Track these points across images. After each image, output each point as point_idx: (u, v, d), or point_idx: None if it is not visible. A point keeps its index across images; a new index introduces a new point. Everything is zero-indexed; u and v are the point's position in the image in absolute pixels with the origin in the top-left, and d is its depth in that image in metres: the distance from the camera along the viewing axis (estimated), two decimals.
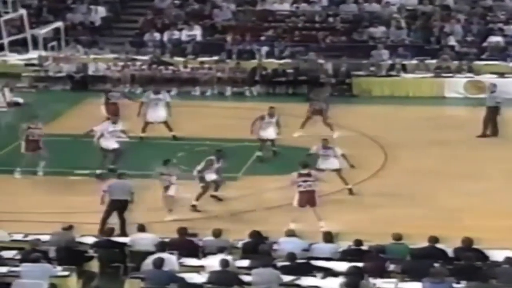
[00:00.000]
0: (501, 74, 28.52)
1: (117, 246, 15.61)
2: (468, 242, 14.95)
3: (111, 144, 20.83)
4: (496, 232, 16.92)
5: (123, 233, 16.74)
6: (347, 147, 22.12)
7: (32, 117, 21.67)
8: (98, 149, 20.83)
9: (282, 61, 29.92)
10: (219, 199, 19.28)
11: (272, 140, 22.06)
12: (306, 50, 30.61)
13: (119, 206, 17.34)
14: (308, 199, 17.60)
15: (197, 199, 18.81)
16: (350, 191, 19.63)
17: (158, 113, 23.63)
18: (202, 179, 18.78)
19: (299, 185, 17.70)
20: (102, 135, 20.79)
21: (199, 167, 18.82)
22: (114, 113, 23.71)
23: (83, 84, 29.87)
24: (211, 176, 18.80)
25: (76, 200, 19.34)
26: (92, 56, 30.92)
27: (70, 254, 15.03)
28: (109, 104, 24.05)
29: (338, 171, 19.60)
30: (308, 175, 17.80)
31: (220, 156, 19.04)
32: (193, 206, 18.75)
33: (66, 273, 14.47)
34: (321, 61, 29.38)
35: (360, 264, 14.36)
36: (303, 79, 28.90)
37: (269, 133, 21.89)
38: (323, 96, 24.69)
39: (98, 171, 20.67)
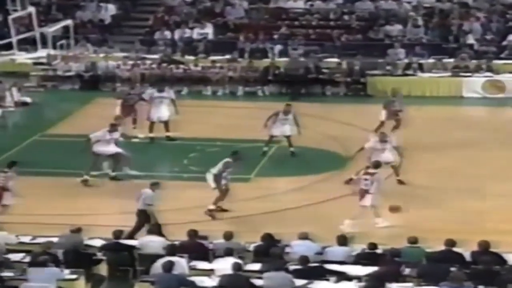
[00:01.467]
0: None
1: (126, 249, 15.62)
2: (485, 246, 14.90)
3: (109, 149, 20.67)
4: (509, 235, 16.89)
5: (130, 237, 16.70)
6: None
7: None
8: (90, 152, 20.68)
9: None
10: (224, 209, 18.88)
11: (288, 137, 22.00)
12: (321, 49, 30.63)
13: (139, 215, 17.21)
14: (361, 196, 17.95)
15: (215, 203, 18.66)
16: (400, 182, 19.92)
17: (162, 112, 23.58)
18: (220, 182, 18.57)
19: (360, 181, 18.12)
20: (98, 141, 20.67)
21: (214, 170, 18.64)
22: (128, 114, 23.70)
23: (92, 83, 29.95)
24: (226, 180, 18.65)
25: (85, 202, 19.37)
26: (101, 55, 31.02)
27: (78, 257, 15.06)
28: (125, 106, 23.96)
29: (391, 163, 19.89)
30: (372, 175, 18.04)
31: (237, 159, 18.98)
32: (210, 210, 18.60)
33: (74, 276, 14.48)
34: (302, 59, 29.45)
35: (375, 268, 14.34)
36: (288, 79, 28.86)
37: (283, 130, 21.91)
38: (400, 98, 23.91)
39: (111, 174, 20.66)
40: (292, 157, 21.99)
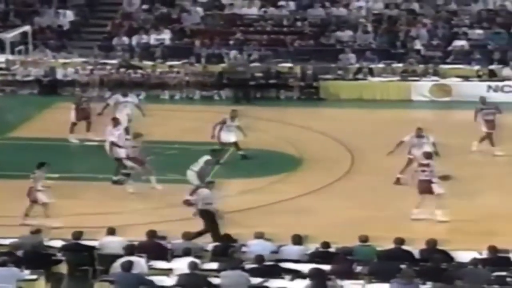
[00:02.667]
0: (466, 78, 28.80)
1: (85, 249, 15.51)
2: (432, 244, 15.05)
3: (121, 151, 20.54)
4: (462, 234, 17.06)
5: (195, 237, 16.38)
6: (315, 150, 22.29)
7: None
8: (112, 158, 20.56)
9: (251, 65, 29.91)
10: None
11: (235, 143, 21.90)
12: (274, 54, 30.70)
13: (203, 215, 17.08)
14: (426, 187, 18.20)
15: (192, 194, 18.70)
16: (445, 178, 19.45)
17: (128, 115, 23.49)
18: (203, 179, 18.54)
19: (418, 174, 18.38)
20: (114, 143, 20.49)
21: (196, 168, 18.69)
22: (84, 118, 23.62)
23: (51, 88, 29.68)
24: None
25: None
26: (60, 60, 30.74)
27: (38, 258, 14.92)
28: (79, 109, 23.85)
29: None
30: (428, 165, 18.36)
31: (216, 156, 19.00)
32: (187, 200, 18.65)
33: (34, 276, 14.35)
34: (255, 64, 29.53)
35: (327, 266, 14.40)
36: (229, 83, 28.90)
37: (229, 137, 21.78)
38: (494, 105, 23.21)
39: (114, 178, 20.46)
40: (244, 160, 21.91)
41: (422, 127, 20.58)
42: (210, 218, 16.90)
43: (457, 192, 19.59)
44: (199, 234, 16.65)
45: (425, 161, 18.64)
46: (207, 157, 18.93)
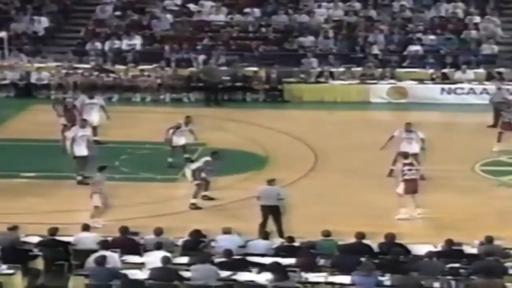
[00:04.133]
0: (421, 81, 28.99)
1: (61, 245, 15.36)
2: (391, 237, 15.11)
3: (81, 150, 20.25)
4: (417, 228, 17.15)
5: (281, 235, 16.33)
6: (280, 150, 22.28)
7: None
8: (72, 157, 20.22)
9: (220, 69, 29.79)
10: (211, 198, 19.11)
11: (183, 147, 21.61)
12: (241, 58, 30.67)
13: (269, 211, 16.90)
14: (413, 186, 17.95)
15: (195, 196, 18.71)
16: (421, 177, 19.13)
17: (92, 117, 23.21)
18: (198, 177, 18.60)
19: (404, 173, 18.02)
20: (74, 140, 20.20)
21: (193, 166, 18.74)
22: (72, 120, 23.30)
23: (27, 91, 29.39)
24: (204, 175, 18.69)
25: (22, 202, 18.98)
26: (35, 65, 30.44)
27: (15, 253, 14.75)
28: (67, 111, 23.47)
29: (416, 155, 19.66)
30: (411, 164, 18.22)
31: (216, 158, 18.93)
32: (193, 204, 18.62)
33: (11, 271, 14.20)
34: (224, 68, 29.41)
35: (292, 260, 14.40)
36: (204, 86, 28.75)
37: (179, 140, 21.48)
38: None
39: (78, 178, 20.13)
40: (189, 162, 21.44)
41: (411, 122, 20.51)
42: (277, 213, 16.92)
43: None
44: (280, 231, 16.64)
45: (408, 161, 18.40)
46: (207, 158, 18.93)
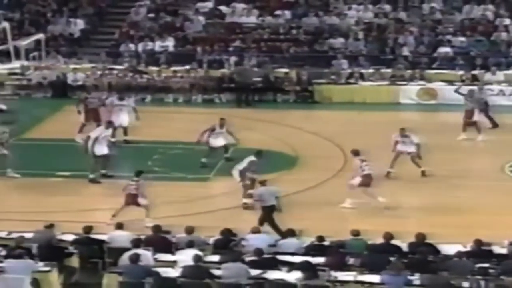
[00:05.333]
0: (450, 82, 28.79)
1: (96, 243, 15.47)
2: (421, 237, 15.03)
3: (102, 149, 20.40)
4: (447, 228, 17.04)
5: (280, 234, 16.35)
6: (310, 150, 22.27)
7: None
8: (91, 155, 20.32)
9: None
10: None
11: (224, 147, 21.65)
12: (271, 60, 30.67)
13: (270, 211, 17.05)
14: (368, 181, 18.57)
15: (245, 196, 18.76)
16: (423, 173, 20.48)
17: (122, 118, 23.38)
18: (245, 177, 18.71)
19: (363, 169, 18.59)
20: (96, 140, 20.31)
21: (240, 167, 18.83)
22: (94, 119, 23.53)
23: (63, 91, 29.63)
24: (250, 175, 18.83)
25: (57, 200, 19.15)
26: (71, 66, 30.71)
27: (51, 251, 14.89)
28: (89, 110, 23.79)
29: (412, 154, 20.53)
30: (366, 160, 18.77)
31: (260, 157, 19.04)
32: (245, 203, 18.71)
33: (47, 268, 14.33)
34: (256, 69, 29.45)
35: (322, 259, 14.38)
36: (236, 86, 28.74)
37: (219, 141, 21.56)
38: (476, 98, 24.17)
39: (91, 176, 20.25)
40: (228, 161, 21.47)
41: (405, 127, 20.90)
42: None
43: (440, 188, 19.65)
44: (277, 229, 16.69)
45: (363, 157, 18.93)
46: (251, 158, 18.98)
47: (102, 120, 23.07)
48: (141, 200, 17.72)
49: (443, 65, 30.12)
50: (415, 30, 31.61)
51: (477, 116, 23.71)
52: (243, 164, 18.91)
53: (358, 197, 18.56)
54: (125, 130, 23.49)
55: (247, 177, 18.72)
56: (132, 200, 17.69)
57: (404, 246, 15.02)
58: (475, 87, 25.97)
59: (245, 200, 18.75)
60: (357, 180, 18.64)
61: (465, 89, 25.52)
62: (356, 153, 19.14)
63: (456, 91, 25.74)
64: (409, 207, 18.67)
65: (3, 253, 14.75)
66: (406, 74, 29.32)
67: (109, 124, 21.10)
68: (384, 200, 18.49)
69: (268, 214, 17.05)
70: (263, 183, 17.62)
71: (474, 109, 23.82)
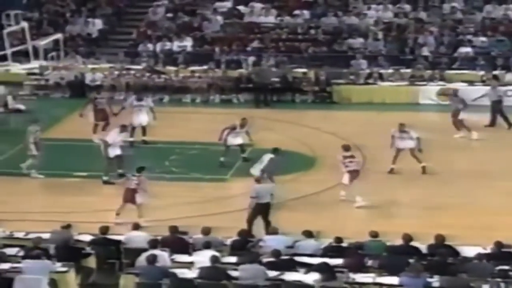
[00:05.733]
0: (471, 82, 28.63)
1: (112, 244, 15.51)
2: (440, 239, 14.95)
3: (115, 151, 20.48)
4: (467, 230, 16.94)
5: (268, 233, 16.34)
6: (328, 150, 22.21)
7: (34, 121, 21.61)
8: (105, 157, 20.44)
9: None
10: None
11: (241, 146, 21.73)
12: (290, 60, 30.65)
13: (264, 209, 17.12)
14: (355, 176, 18.83)
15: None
16: (424, 169, 20.74)
17: (141, 118, 23.46)
18: (266, 176, 18.76)
19: (346, 165, 18.87)
20: (110, 144, 20.41)
21: (261, 166, 18.88)
22: (102, 119, 23.63)
23: (81, 91, 29.75)
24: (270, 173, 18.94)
25: (74, 201, 19.23)
26: (89, 66, 30.83)
27: (68, 251, 14.94)
28: (97, 110, 23.89)
29: (412, 150, 20.82)
30: (352, 156, 19.01)
31: (278, 154, 19.14)
32: None
33: (65, 269, 14.38)
34: (274, 69, 29.41)
35: (340, 260, 14.33)
36: (254, 87, 28.71)
37: (237, 140, 21.63)
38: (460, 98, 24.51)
39: (104, 178, 20.33)
40: (245, 162, 21.51)
41: (404, 123, 21.17)
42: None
43: (459, 190, 19.55)
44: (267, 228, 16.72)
45: (348, 153, 19.08)
46: (270, 156, 19.07)
47: (109, 119, 23.33)
48: (138, 198, 17.72)
49: (464, 65, 29.94)
50: (435, 30, 31.46)
51: (463, 115, 23.84)
52: (263, 162, 18.95)
53: (365, 193, 18.63)
54: (144, 130, 23.58)
55: (268, 176, 18.73)
56: (130, 195, 17.73)
57: (424, 248, 14.95)
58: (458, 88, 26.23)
59: None
60: (346, 177, 18.84)
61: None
62: (345, 148, 19.27)
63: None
64: (428, 208, 18.59)
65: (21, 253, 14.84)
66: (426, 75, 29.19)
67: (124, 128, 21.10)
68: (361, 202, 18.49)
69: (258, 211, 17.04)
70: (258, 180, 17.60)
71: (459, 108, 24.03)
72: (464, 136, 23.74)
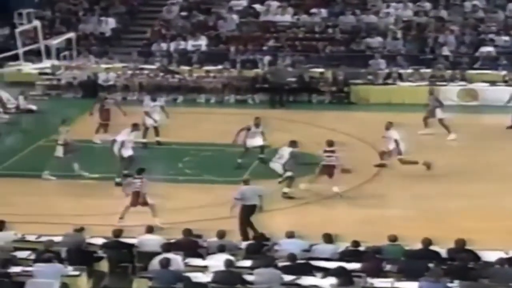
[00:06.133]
0: (493, 83, 28.52)
1: (125, 247, 15.55)
2: (461, 243, 14.88)
3: (128, 151, 20.60)
4: (488, 234, 16.87)
5: (245, 237, 16.59)
6: (346, 153, 22.15)
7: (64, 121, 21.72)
8: (119, 158, 20.54)
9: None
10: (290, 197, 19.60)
11: (261, 147, 21.83)
12: (307, 59, 30.63)
13: (252, 211, 17.20)
14: (329, 171, 19.35)
15: (289, 186, 19.35)
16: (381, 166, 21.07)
17: (156, 118, 23.56)
18: (289, 168, 19.32)
19: (323, 159, 19.42)
20: (123, 143, 20.53)
21: (282, 161, 19.40)
22: (106, 119, 23.75)
23: (93, 92, 29.82)
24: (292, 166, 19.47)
25: (86, 203, 19.29)
26: (102, 65, 30.94)
27: (80, 255, 14.99)
28: (103, 110, 24.00)
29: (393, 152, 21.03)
30: (332, 151, 19.47)
31: (295, 146, 19.66)
32: (285, 193, 19.36)
33: (77, 272, 14.42)
34: (290, 69, 29.48)
35: (357, 265, 14.31)
36: (270, 87, 28.80)
37: (256, 141, 21.75)
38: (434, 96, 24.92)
39: (117, 179, 20.39)
40: (262, 163, 21.59)
41: (392, 122, 21.37)
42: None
43: (481, 193, 19.47)
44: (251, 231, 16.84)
45: (330, 148, 19.47)
46: (290, 149, 19.46)
47: (110, 120, 23.56)
48: (147, 198, 17.80)
49: (485, 65, 29.84)
50: (456, 28, 31.35)
51: (440, 114, 24.13)
52: (283, 157, 19.31)
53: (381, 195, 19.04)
54: (157, 131, 23.62)
55: (290, 168, 19.16)
56: (138, 198, 17.77)
57: (443, 252, 14.89)
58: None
59: (286, 190, 19.38)
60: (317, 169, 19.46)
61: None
62: (328, 143, 19.64)
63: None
64: (448, 211, 18.52)
65: (32, 257, 14.90)
66: (447, 75, 29.10)
67: (135, 127, 21.19)
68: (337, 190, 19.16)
69: (246, 214, 17.06)
70: (246, 182, 17.62)
71: (435, 108, 24.30)
72: (431, 134, 24.01)
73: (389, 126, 21.18)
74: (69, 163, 20.91)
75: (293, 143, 19.59)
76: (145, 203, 17.89)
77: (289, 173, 19.36)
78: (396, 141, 20.81)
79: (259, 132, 21.74)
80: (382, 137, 21.14)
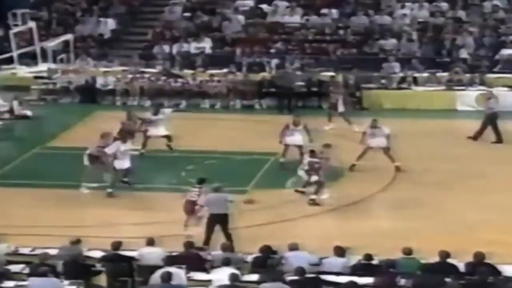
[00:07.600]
0: None
1: (125, 260, 15.55)
2: (480, 257, 14.85)
3: (124, 164, 20.73)
4: (509, 247, 16.83)
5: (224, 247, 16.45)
6: (359, 161, 22.19)
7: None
8: (111, 169, 20.70)
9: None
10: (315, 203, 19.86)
11: (299, 147, 22.21)
12: (316, 63, 30.67)
13: (218, 220, 17.30)
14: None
15: (316, 193, 19.76)
16: (397, 168, 21.56)
17: (160, 131, 23.56)
18: (314, 173, 19.86)
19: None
20: (115, 157, 20.68)
21: (306, 167, 19.91)
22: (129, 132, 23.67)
23: (91, 96, 29.93)
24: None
25: (84, 214, 19.33)
26: (101, 69, 31.00)
27: (77, 268, 15.00)
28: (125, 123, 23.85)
29: (385, 149, 21.64)
30: (315, 157, 19.97)
31: (312, 141, 20.83)
32: (313, 200, 19.69)
33: (73, 287, 14.44)
34: (299, 73, 29.66)
35: (370, 279, 14.29)
36: (278, 91, 28.96)
37: (295, 139, 22.25)
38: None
39: (109, 190, 20.50)
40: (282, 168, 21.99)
41: (376, 119, 22.12)
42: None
43: (500, 204, 19.44)
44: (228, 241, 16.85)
45: (313, 154, 20.07)
46: (311, 159, 20.04)
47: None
48: (198, 209, 17.88)
49: (506, 68, 29.86)
50: (475, 30, 31.37)
51: (342, 107, 25.66)
52: (305, 165, 19.86)
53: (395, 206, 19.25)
54: (169, 139, 23.49)
55: (317, 173, 19.73)
56: (190, 207, 17.89)
57: (461, 266, 14.87)
58: None
59: (313, 197, 19.70)
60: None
61: None
62: (310, 152, 20.23)
63: None
64: (466, 223, 18.49)
65: (27, 270, 14.91)
66: (465, 79, 29.10)
67: (120, 138, 21.25)
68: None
69: (215, 222, 17.19)
70: (217, 189, 17.69)
71: (338, 100, 25.84)
72: (333, 129, 25.05)
73: (375, 122, 21.97)
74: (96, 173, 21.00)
75: (312, 152, 20.07)
76: (194, 213, 17.94)
77: (315, 178, 19.72)
78: (387, 136, 21.51)
79: (298, 130, 22.26)
80: (368, 134, 21.81)
